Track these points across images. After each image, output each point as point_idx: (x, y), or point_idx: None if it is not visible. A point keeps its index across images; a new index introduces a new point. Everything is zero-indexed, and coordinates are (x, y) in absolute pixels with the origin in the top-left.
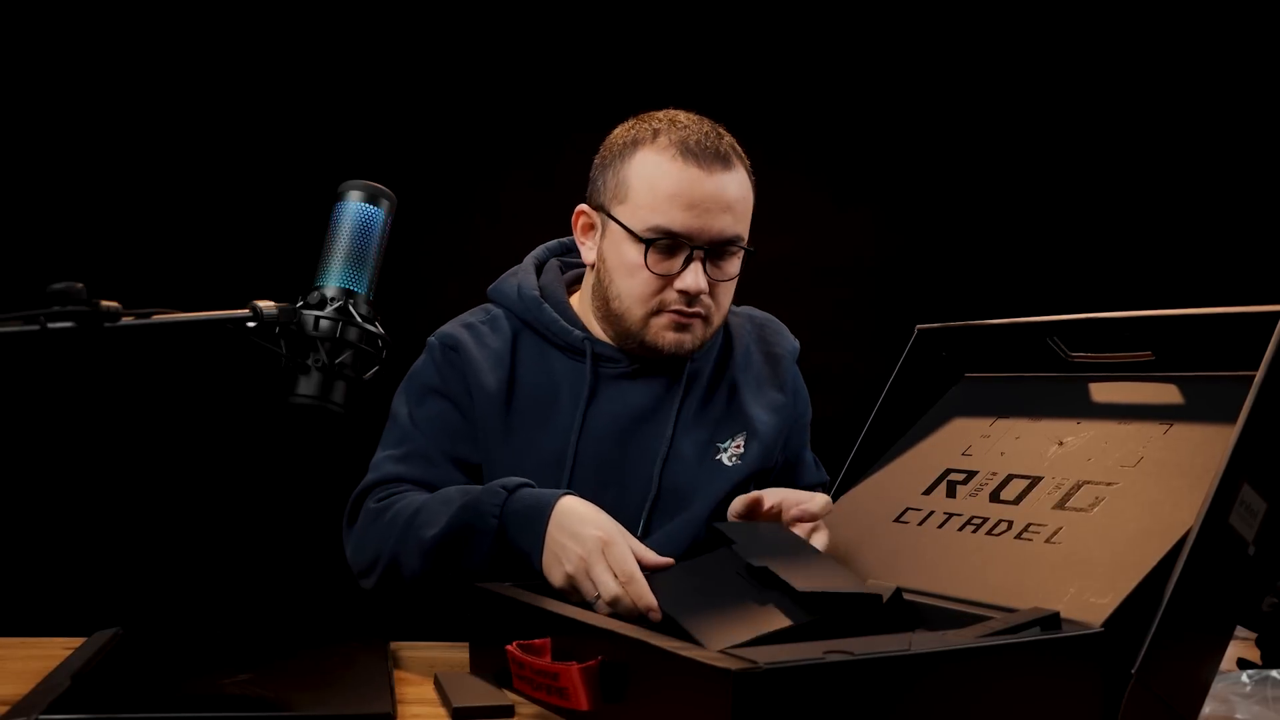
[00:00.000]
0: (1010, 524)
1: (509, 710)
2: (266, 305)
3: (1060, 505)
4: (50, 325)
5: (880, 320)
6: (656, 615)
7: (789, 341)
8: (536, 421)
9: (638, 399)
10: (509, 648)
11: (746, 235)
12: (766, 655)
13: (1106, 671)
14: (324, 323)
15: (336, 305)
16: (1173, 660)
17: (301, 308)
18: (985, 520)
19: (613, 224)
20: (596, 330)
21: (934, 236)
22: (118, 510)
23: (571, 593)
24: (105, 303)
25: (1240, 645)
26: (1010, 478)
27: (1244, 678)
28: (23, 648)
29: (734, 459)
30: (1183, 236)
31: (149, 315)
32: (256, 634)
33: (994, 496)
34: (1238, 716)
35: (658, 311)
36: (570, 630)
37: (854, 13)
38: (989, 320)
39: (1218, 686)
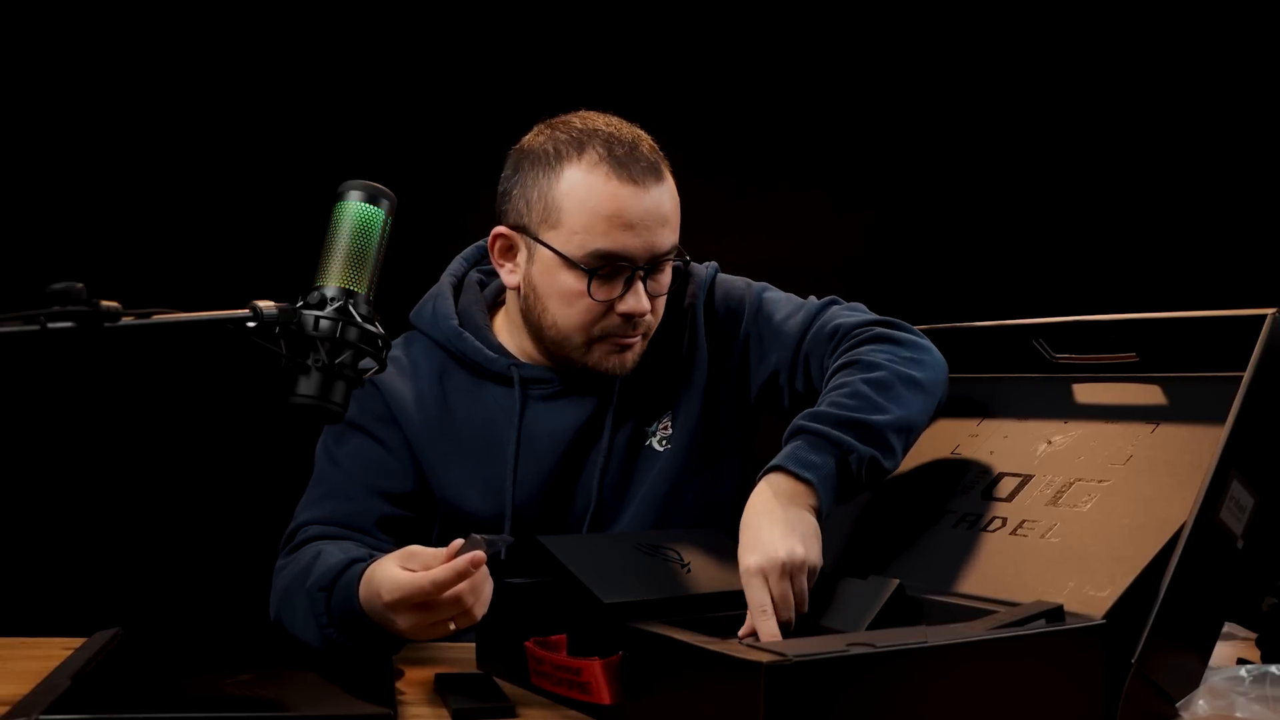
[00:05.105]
0: (1004, 520)
1: (509, 710)
2: (266, 305)
3: (1053, 502)
4: (50, 325)
5: None
6: (480, 559)
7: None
8: (476, 451)
9: (574, 414)
10: (527, 644)
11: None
12: (789, 648)
13: (1108, 660)
14: (324, 323)
15: (336, 305)
16: (1168, 650)
17: (301, 308)
18: (979, 517)
19: (543, 250)
20: (526, 346)
21: (919, 240)
22: (118, 510)
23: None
24: (105, 303)
25: (1240, 645)
26: (1001, 475)
27: (1243, 673)
28: (23, 648)
29: (663, 441)
30: (1166, 241)
31: (149, 315)
32: (256, 634)
33: (986, 494)
34: (1238, 715)
35: (600, 338)
36: (590, 625)
37: (849, 23)
38: (974, 322)
39: (1217, 684)
